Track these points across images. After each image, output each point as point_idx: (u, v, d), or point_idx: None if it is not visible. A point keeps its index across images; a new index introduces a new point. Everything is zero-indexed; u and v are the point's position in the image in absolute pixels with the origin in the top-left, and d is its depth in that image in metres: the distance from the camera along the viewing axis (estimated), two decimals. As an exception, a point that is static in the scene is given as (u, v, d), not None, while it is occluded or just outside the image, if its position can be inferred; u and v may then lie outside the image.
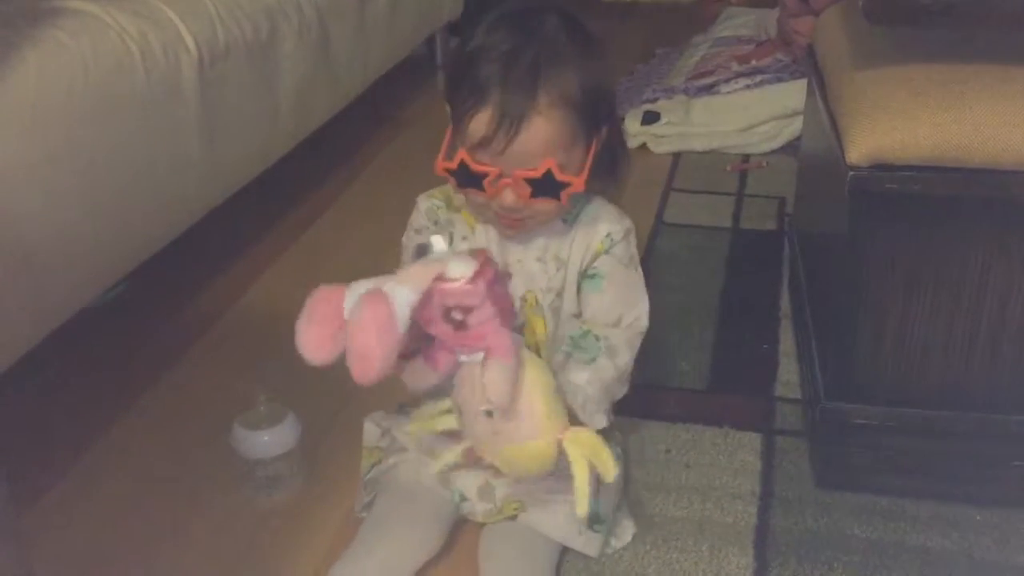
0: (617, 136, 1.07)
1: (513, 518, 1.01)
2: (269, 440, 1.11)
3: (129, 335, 1.45)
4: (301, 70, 1.70)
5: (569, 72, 0.94)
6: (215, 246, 1.66)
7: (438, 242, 0.90)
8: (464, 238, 1.05)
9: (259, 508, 1.12)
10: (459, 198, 1.06)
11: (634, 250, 1.06)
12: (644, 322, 1.05)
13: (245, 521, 1.11)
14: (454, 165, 0.95)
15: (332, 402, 1.27)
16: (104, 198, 1.22)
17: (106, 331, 1.43)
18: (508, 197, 0.95)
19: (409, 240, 1.08)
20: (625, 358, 1.02)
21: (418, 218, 1.07)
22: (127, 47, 1.25)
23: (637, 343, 1.04)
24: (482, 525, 1.03)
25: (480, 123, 0.93)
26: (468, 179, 0.96)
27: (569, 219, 1.04)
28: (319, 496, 1.13)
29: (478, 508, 1.04)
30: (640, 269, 1.06)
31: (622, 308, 1.03)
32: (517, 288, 1.03)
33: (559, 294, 1.04)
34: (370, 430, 1.12)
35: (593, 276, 1.03)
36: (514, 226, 1.00)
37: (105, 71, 1.21)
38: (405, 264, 1.05)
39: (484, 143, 0.93)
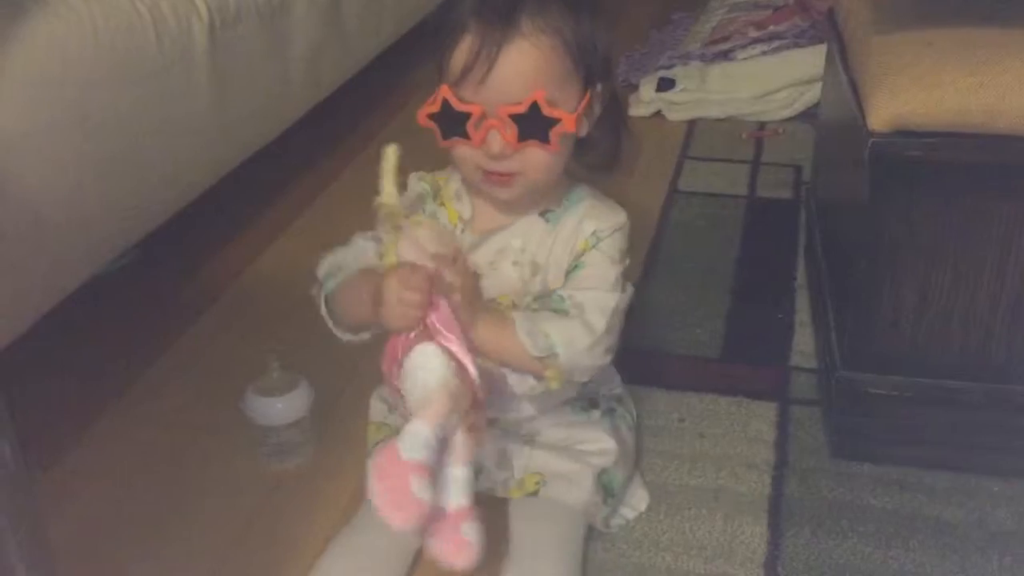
0: (616, 108, 1.01)
1: (535, 493, 1.00)
2: (282, 407, 1.10)
3: (141, 302, 1.45)
4: (312, 35, 1.68)
5: (554, 6, 0.90)
6: (227, 213, 1.65)
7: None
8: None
9: (271, 475, 1.12)
10: (448, 189, 1.02)
11: (624, 246, 0.99)
12: (616, 302, 0.96)
13: (257, 487, 1.11)
14: (436, 107, 0.91)
15: (344, 369, 1.27)
16: (114, 163, 1.21)
17: (118, 298, 1.43)
18: (494, 142, 0.90)
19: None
20: (595, 317, 0.93)
21: (405, 200, 1.00)
22: (138, 11, 1.24)
23: (612, 317, 0.95)
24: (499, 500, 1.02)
25: (460, 52, 0.89)
26: (451, 123, 0.91)
27: (552, 219, 0.99)
28: (331, 463, 1.13)
29: (497, 478, 1.02)
30: (625, 262, 0.99)
31: (596, 284, 0.96)
32: (489, 291, 0.97)
33: (537, 298, 0.98)
34: (376, 406, 1.10)
35: (575, 268, 0.98)
36: (503, 183, 0.94)
37: (115, 35, 1.19)
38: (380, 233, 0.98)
39: (465, 72, 0.88)
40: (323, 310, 0.98)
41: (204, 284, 1.50)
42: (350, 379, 1.25)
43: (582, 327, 0.93)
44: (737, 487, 1.09)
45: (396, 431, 1.05)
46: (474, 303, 0.91)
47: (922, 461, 1.10)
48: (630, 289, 1.00)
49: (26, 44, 1.08)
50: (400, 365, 0.87)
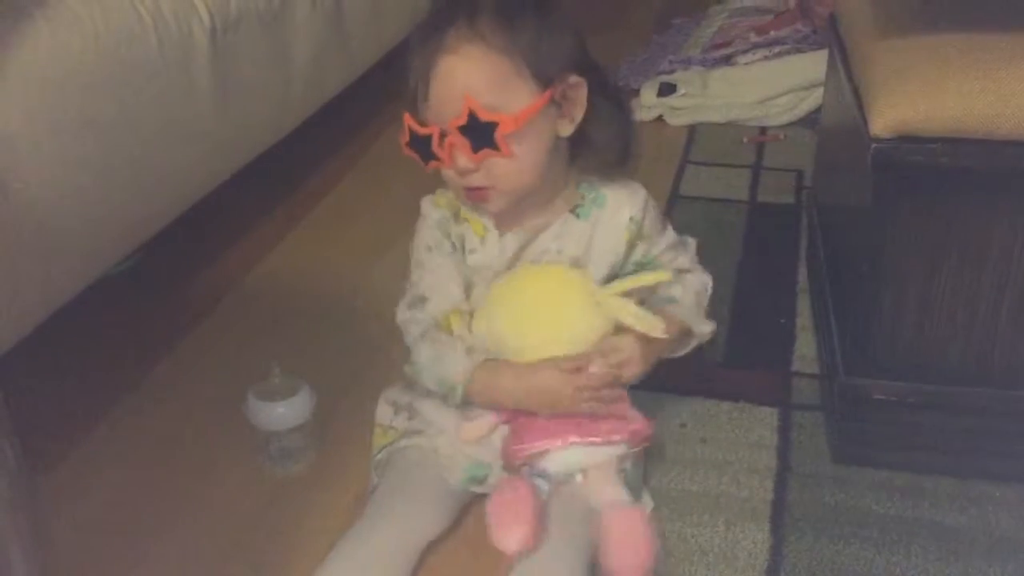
0: (617, 104, 1.02)
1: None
2: (284, 412, 1.10)
3: (144, 306, 1.45)
4: (314, 39, 1.68)
5: (484, 16, 0.91)
6: (229, 217, 1.65)
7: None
8: (472, 251, 1.02)
9: (273, 480, 1.12)
10: (464, 206, 1.03)
11: (658, 212, 1.06)
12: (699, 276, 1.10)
13: (259, 492, 1.11)
14: (406, 135, 0.94)
15: (346, 373, 1.27)
16: (116, 168, 1.21)
17: (120, 302, 1.43)
18: (459, 158, 0.93)
19: (420, 254, 1.03)
20: (700, 278, 1.09)
21: (429, 233, 1.03)
22: (139, 15, 1.24)
23: (705, 282, 1.10)
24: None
25: (412, 77, 0.92)
26: (422, 148, 0.94)
27: (582, 213, 1.01)
28: (333, 468, 1.13)
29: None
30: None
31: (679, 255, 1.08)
32: None
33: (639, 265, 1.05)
34: (383, 408, 1.10)
35: (646, 263, 1.05)
36: (481, 197, 0.96)
37: (117, 39, 1.20)
38: (418, 280, 1.03)
39: (414, 95, 0.92)
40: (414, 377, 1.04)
41: (206, 288, 1.50)
42: (352, 383, 1.25)
43: (703, 289, 1.09)
44: (739, 492, 1.09)
45: (402, 434, 1.05)
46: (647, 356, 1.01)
47: (924, 466, 1.10)
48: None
49: (28, 48, 1.08)
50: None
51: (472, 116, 0.90)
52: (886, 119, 0.97)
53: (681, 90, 2.08)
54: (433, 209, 1.03)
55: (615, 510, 0.94)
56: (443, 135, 0.92)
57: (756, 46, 2.17)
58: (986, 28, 1.04)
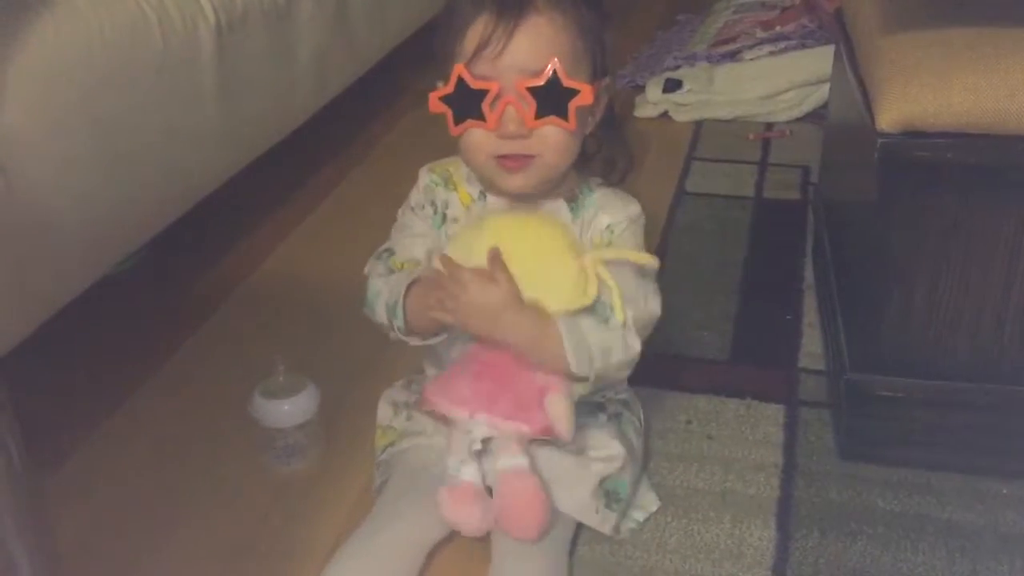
0: (614, 116, 1.02)
1: None
2: (289, 409, 1.10)
3: (149, 303, 1.45)
4: (319, 37, 1.68)
5: None
6: (234, 215, 1.65)
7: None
8: (455, 219, 1.02)
9: (278, 477, 1.12)
10: (459, 172, 1.03)
11: (640, 239, 0.99)
12: (654, 308, 0.97)
13: (264, 490, 1.11)
14: (450, 87, 0.90)
15: (351, 371, 1.27)
16: (121, 165, 1.21)
17: (125, 300, 1.43)
18: (511, 121, 0.90)
19: (403, 215, 1.04)
20: (633, 339, 0.94)
21: (416, 195, 1.04)
22: (144, 14, 1.24)
23: (645, 328, 0.96)
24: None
25: (476, 29, 0.90)
26: (465, 104, 0.90)
27: (575, 209, 1.00)
28: (338, 466, 1.13)
29: (495, 466, 0.99)
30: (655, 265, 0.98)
31: (631, 292, 0.95)
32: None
33: None
34: (384, 408, 1.10)
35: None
36: (520, 166, 0.93)
37: (121, 37, 1.19)
38: (394, 238, 1.03)
39: (482, 46, 0.89)
40: (394, 334, 0.99)
41: (210, 287, 1.50)
42: (357, 381, 1.25)
43: (622, 344, 0.93)
44: (745, 489, 1.08)
45: (402, 434, 1.05)
46: (519, 301, 0.91)
47: (931, 463, 1.09)
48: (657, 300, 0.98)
49: (32, 45, 1.08)
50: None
51: (554, 79, 0.88)
52: (892, 114, 0.97)
53: (686, 86, 2.07)
54: (426, 174, 1.04)
55: (507, 474, 0.94)
56: (499, 93, 0.89)
57: (761, 42, 2.17)
58: (993, 23, 1.03)
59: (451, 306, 0.91)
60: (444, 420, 0.97)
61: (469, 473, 0.95)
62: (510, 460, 0.94)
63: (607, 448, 1.02)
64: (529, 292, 0.93)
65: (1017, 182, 0.97)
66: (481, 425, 0.94)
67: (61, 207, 1.11)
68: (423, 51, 2.41)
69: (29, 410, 0.89)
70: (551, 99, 0.89)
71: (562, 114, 0.90)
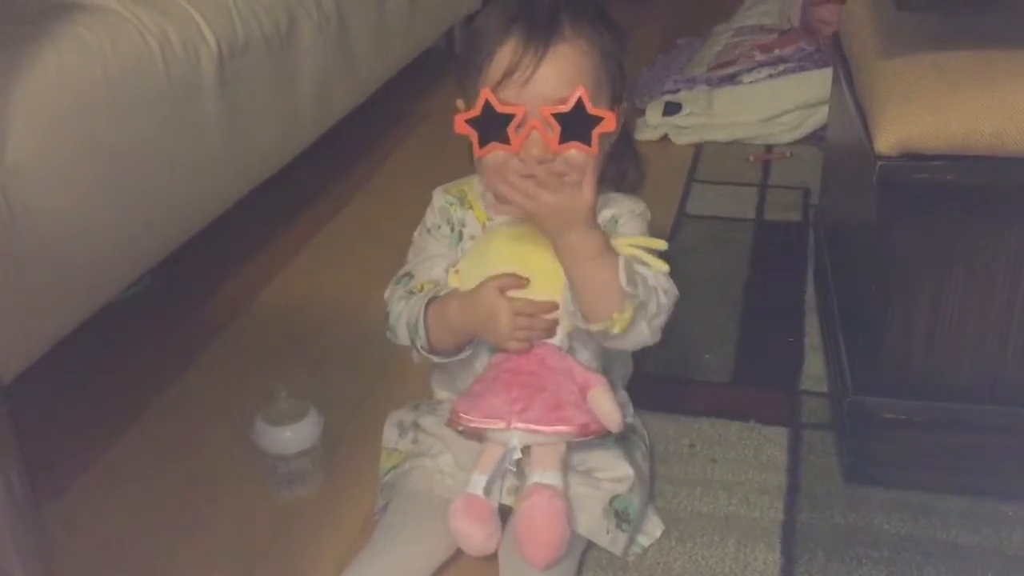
0: (628, 136, 1.04)
1: None
2: (291, 436, 1.10)
3: (152, 330, 1.45)
4: (320, 64, 1.69)
5: (588, 17, 0.93)
6: (236, 241, 1.66)
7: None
8: (472, 237, 1.03)
9: (281, 504, 1.12)
10: (473, 191, 1.05)
11: (645, 231, 1.01)
12: (672, 289, 0.98)
13: (267, 516, 1.10)
14: (477, 110, 0.92)
15: (354, 397, 1.27)
16: (125, 193, 1.21)
17: (129, 326, 1.43)
18: (535, 144, 0.91)
19: (420, 237, 1.06)
20: (661, 295, 0.95)
21: (432, 216, 1.06)
22: (147, 42, 1.25)
23: (669, 299, 0.96)
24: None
25: (503, 55, 0.91)
26: (491, 127, 0.92)
27: None
28: (340, 492, 1.13)
29: (508, 484, 1.00)
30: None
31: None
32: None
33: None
34: (389, 430, 1.10)
35: None
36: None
37: (125, 66, 1.21)
38: (412, 261, 1.05)
39: (509, 72, 0.91)
40: (417, 354, 1.01)
41: (214, 312, 1.50)
42: (359, 407, 1.25)
43: (666, 284, 0.96)
44: (749, 513, 1.08)
45: (407, 456, 1.05)
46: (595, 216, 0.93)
47: (935, 485, 1.09)
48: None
49: (36, 75, 1.09)
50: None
51: (580, 105, 0.90)
52: (891, 137, 0.97)
53: (686, 109, 2.08)
54: (441, 195, 1.06)
55: (532, 493, 0.93)
56: (525, 118, 0.91)
57: (760, 65, 2.18)
58: (989, 46, 1.04)
59: (532, 196, 0.90)
60: (478, 437, 0.97)
61: (489, 491, 0.95)
62: (542, 475, 0.94)
63: (616, 469, 1.02)
64: (549, 289, 0.95)
65: (1015, 203, 0.97)
66: (519, 434, 0.94)
67: (66, 236, 1.12)
68: (424, 76, 2.44)
69: (31, 437, 0.89)
70: (576, 125, 0.91)
71: (585, 140, 0.92)
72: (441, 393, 1.11)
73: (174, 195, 1.33)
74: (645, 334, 0.95)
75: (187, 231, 1.40)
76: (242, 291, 1.56)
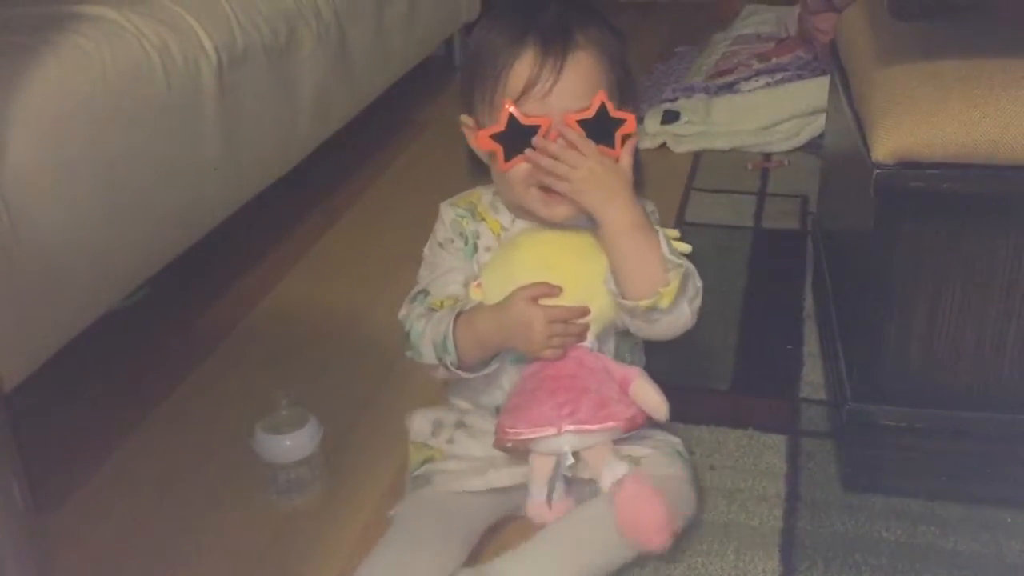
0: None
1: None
2: (291, 444, 1.10)
3: (151, 339, 1.46)
4: (320, 73, 1.70)
5: (595, 25, 0.95)
6: (236, 250, 1.66)
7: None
8: (487, 248, 1.04)
9: (281, 512, 1.12)
10: (482, 203, 1.05)
11: (656, 226, 1.02)
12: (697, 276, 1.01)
13: (267, 525, 1.10)
14: (502, 125, 0.93)
15: (353, 406, 1.27)
16: (125, 203, 1.22)
17: (129, 335, 1.44)
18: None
19: (432, 253, 1.06)
20: (697, 280, 0.99)
21: (443, 230, 1.05)
22: (146, 52, 1.26)
23: (694, 286, 1.00)
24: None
25: (522, 68, 0.92)
26: (516, 141, 0.93)
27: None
28: (341, 500, 1.13)
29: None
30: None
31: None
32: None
33: None
34: (422, 424, 1.07)
35: None
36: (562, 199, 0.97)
37: (125, 76, 1.21)
38: (426, 278, 1.05)
39: (530, 85, 0.92)
40: (444, 371, 1.01)
41: (214, 321, 1.50)
42: (359, 416, 1.25)
43: (694, 271, 1.00)
44: (748, 521, 1.08)
45: (445, 455, 1.04)
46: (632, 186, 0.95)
47: (934, 493, 1.09)
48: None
49: (37, 85, 1.10)
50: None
51: (602, 110, 0.92)
52: (888, 145, 0.98)
53: (684, 118, 2.09)
54: (450, 209, 1.06)
55: (618, 485, 0.94)
56: (549, 128, 0.93)
57: (758, 73, 2.19)
58: (986, 55, 1.04)
59: (576, 164, 0.92)
60: (525, 450, 0.97)
61: (552, 495, 0.96)
62: (612, 471, 0.95)
63: (671, 467, 1.02)
64: (579, 293, 0.96)
65: (1012, 211, 0.98)
66: (569, 437, 0.95)
67: (66, 245, 1.12)
68: (423, 85, 2.44)
69: (31, 447, 0.89)
70: (599, 129, 0.93)
71: (610, 143, 0.94)
72: (460, 403, 1.10)
73: (174, 204, 1.33)
74: (687, 314, 0.98)
75: (187, 240, 1.40)
76: (242, 300, 1.56)
